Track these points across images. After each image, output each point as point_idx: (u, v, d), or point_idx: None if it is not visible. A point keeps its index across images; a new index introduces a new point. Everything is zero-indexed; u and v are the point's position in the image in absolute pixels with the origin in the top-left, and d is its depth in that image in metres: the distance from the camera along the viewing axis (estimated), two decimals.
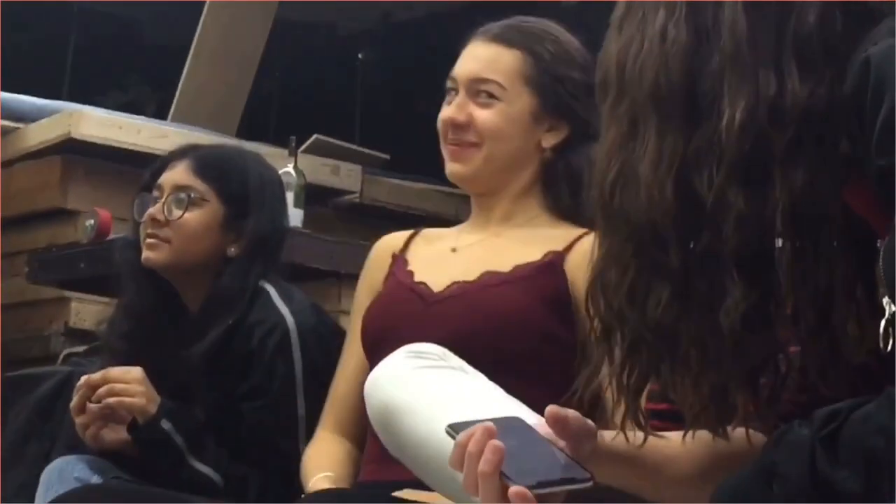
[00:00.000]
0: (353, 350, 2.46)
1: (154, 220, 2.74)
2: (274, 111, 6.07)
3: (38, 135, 4.92)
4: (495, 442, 1.54)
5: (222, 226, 2.79)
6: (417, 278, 2.37)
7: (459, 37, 2.54)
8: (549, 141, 2.42)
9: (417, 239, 2.51)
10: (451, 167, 2.43)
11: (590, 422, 1.60)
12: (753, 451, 1.49)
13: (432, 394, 1.93)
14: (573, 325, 2.28)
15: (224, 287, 2.74)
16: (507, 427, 1.58)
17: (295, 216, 4.05)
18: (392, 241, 2.53)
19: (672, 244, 1.46)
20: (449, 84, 2.42)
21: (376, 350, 2.26)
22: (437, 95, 2.56)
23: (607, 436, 1.64)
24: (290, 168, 4.24)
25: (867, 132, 1.34)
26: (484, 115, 2.38)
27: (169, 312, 2.82)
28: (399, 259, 2.46)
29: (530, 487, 1.50)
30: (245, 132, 5.38)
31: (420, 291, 2.33)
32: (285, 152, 4.51)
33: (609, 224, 1.53)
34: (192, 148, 2.92)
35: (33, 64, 5.80)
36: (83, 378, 2.62)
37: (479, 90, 2.39)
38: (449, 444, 1.70)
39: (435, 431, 1.80)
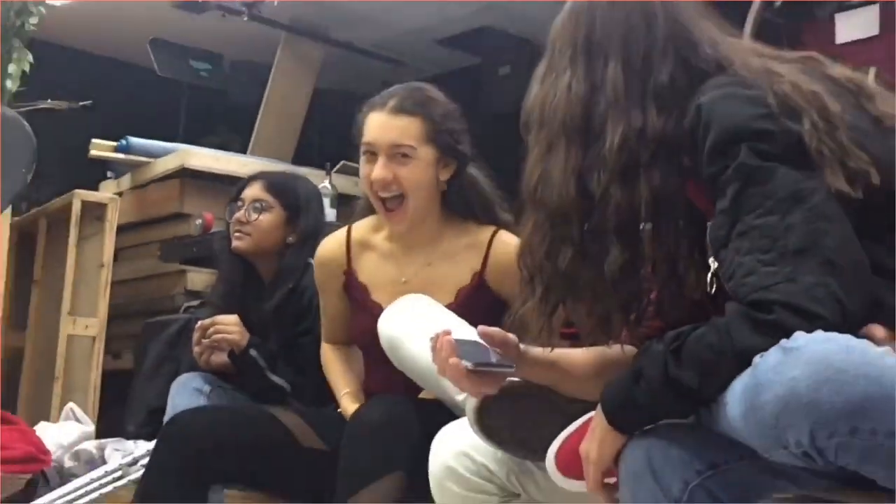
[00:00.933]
0: (330, 301, 2.50)
1: (239, 222, 2.84)
2: (315, 145, 6.07)
3: (164, 165, 5.13)
4: (448, 338, 1.64)
5: (284, 224, 2.88)
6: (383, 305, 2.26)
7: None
8: (445, 176, 2.36)
9: (355, 249, 2.44)
10: (394, 228, 2.35)
11: (510, 335, 1.67)
12: (628, 359, 1.50)
13: (419, 328, 1.94)
14: (502, 310, 2.18)
15: (286, 264, 2.84)
16: (463, 341, 1.66)
17: (331, 214, 4.38)
18: (333, 251, 2.48)
19: (574, 222, 1.54)
20: (366, 149, 2.31)
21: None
22: None
23: (532, 348, 1.69)
24: (326, 183, 4.59)
25: (700, 151, 1.42)
26: (405, 172, 2.28)
27: (250, 281, 2.92)
28: (350, 276, 2.43)
29: (475, 364, 1.60)
30: (297, 160, 5.59)
31: None
32: (323, 172, 4.75)
33: (534, 209, 1.61)
34: (262, 173, 3.05)
35: (158, 119, 5.79)
36: (199, 322, 2.79)
37: (396, 153, 2.28)
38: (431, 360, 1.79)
39: (422, 353, 1.83)
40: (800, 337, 1.14)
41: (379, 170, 2.27)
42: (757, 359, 1.16)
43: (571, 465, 1.43)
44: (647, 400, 1.28)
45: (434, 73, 6.70)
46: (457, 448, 1.80)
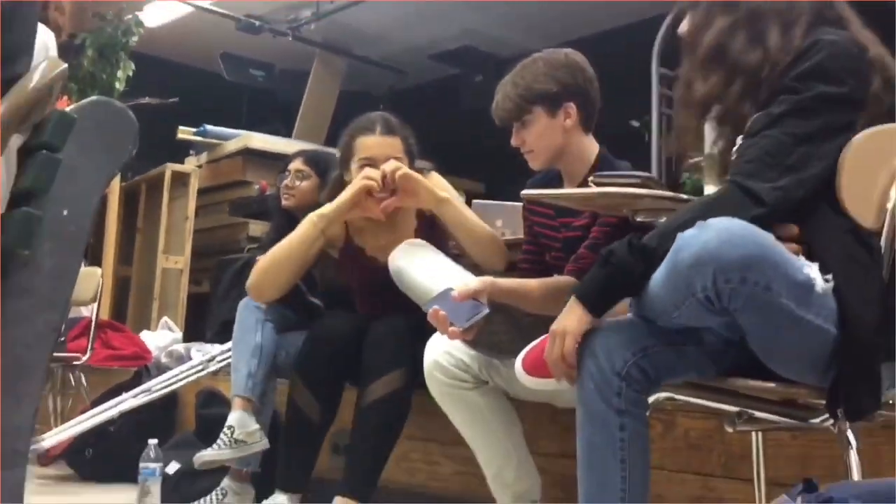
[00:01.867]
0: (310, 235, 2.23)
1: (287, 187, 2.75)
2: (342, 133, 6.02)
3: (231, 146, 5.08)
4: (441, 313, 1.56)
5: (318, 187, 2.73)
6: (382, 261, 2.11)
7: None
8: None
9: (349, 224, 2.30)
10: (384, 215, 2.18)
11: (477, 287, 1.58)
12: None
13: (419, 265, 1.88)
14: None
15: None
16: (450, 306, 1.58)
17: None
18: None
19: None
20: (366, 162, 2.13)
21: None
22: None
23: (500, 280, 1.62)
24: None
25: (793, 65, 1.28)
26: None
27: (294, 228, 2.79)
28: (349, 243, 2.29)
29: (465, 322, 1.55)
30: (328, 142, 5.43)
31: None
32: None
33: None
34: (302, 151, 2.97)
35: (227, 111, 5.74)
36: (257, 259, 2.58)
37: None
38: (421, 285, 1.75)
39: (423, 282, 1.79)
40: (711, 219, 1.14)
41: (378, 171, 2.17)
42: (679, 234, 1.14)
43: (535, 366, 1.39)
44: (614, 272, 1.21)
45: (426, 80, 6.68)
46: (442, 348, 1.82)
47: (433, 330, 1.79)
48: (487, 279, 1.60)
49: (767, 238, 1.13)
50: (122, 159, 1.09)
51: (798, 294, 1.12)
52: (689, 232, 1.13)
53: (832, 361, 1.16)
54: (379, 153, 2.17)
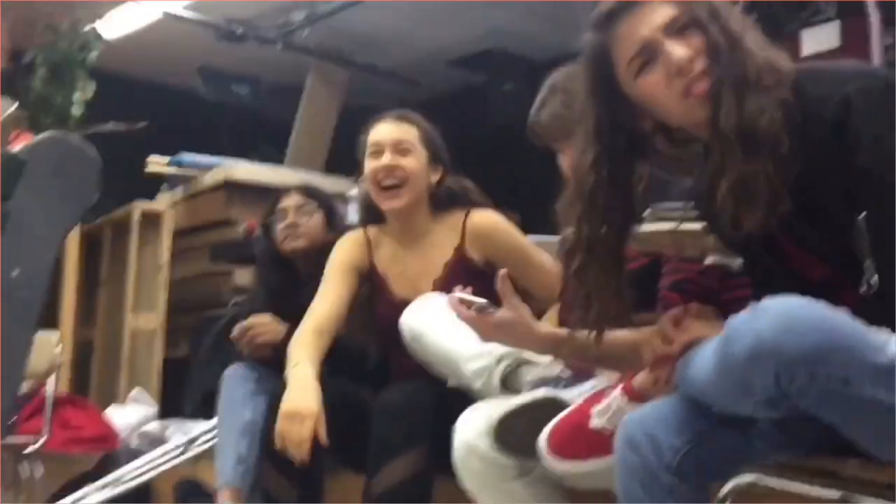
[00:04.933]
0: (331, 292, 2.39)
1: (290, 226, 2.78)
2: (345, 156, 6.04)
3: (211, 178, 5.11)
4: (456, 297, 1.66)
5: (327, 224, 2.83)
6: (398, 294, 2.35)
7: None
8: (434, 178, 2.44)
9: (373, 246, 2.47)
10: (391, 204, 2.39)
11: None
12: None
13: (437, 325, 1.94)
14: (485, 275, 2.23)
15: (325, 260, 2.70)
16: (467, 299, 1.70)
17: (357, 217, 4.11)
18: (358, 241, 2.49)
19: None
20: (374, 149, 2.41)
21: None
22: None
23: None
24: (355, 189, 4.26)
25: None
26: (406, 162, 2.38)
27: (288, 279, 2.83)
28: (373, 268, 2.44)
29: (477, 309, 1.64)
30: (328, 169, 5.59)
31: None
32: (352, 180, 4.48)
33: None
34: (293, 185, 2.99)
35: (206, 136, 5.81)
36: (238, 324, 2.69)
37: (400, 148, 2.39)
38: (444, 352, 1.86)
39: (440, 344, 1.87)
40: (765, 300, 1.12)
41: (386, 159, 2.37)
42: (730, 319, 1.14)
43: (564, 445, 1.42)
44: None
45: (446, 90, 6.72)
46: (479, 428, 1.79)
47: (461, 404, 1.83)
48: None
49: (836, 317, 1.11)
50: (82, 207, 1.10)
51: (885, 379, 1.09)
52: (741, 317, 1.12)
53: None
54: (386, 136, 2.40)
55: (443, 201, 2.46)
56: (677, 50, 1.36)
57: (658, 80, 1.38)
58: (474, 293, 1.93)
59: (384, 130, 2.42)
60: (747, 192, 1.27)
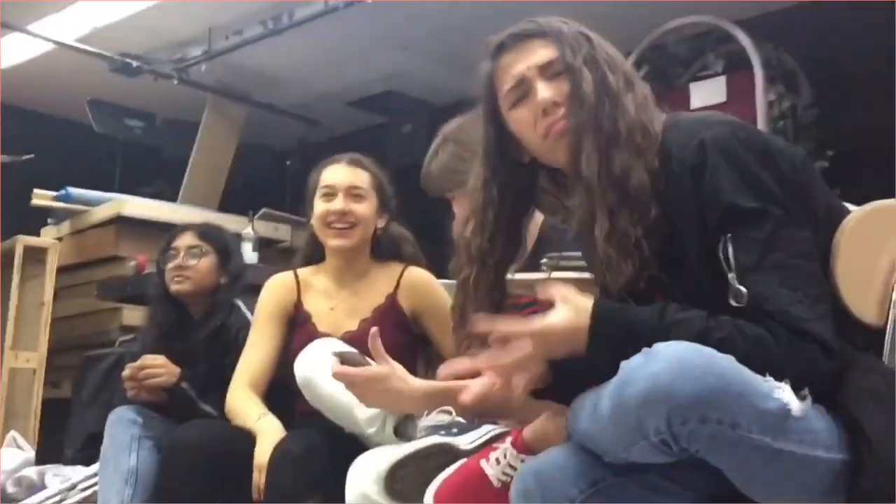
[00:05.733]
0: (262, 341, 2.44)
1: (178, 267, 2.77)
2: (239, 194, 6.01)
3: (101, 213, 5.00)
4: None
5: (217, 266, 2.82)
6: (321, 329, 2.39)
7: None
8: (380, 224, 2.52)
9: (303, 287, 2.50)
10: (339, 242, 2.43)
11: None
12: None
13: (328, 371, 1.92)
14: (410, 328, 2.41)
15: (217, 302, 2.78)
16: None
17: (252, 257, 4.35)
18: (286, 283, 2.52)
19: None
20: (326, 191, 2.44)
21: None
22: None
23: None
24: (249, 228, 4.53)
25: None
26: (358, 207, 2.43)
27: (181, 320, 2.82)
28: (300, 307, 2.47)
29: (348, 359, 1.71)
30: (223, 207, 5.57)
31: None
32: (246, 219, 4.71)
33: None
34: (190, 224, 2.96)
35: (98, 170, 5.68)
36: (128, 365, 2.66)
37: (353, 193, 2.44)
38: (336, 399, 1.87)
39: (333, 392, 1.87)
40: (658, 345, 1.15)
41: (339, 204, 2.42)
42: (623, 363, 1.16)
43: (450, 497, 1.40)
44: (654, 331, 1.21)
45: (345, 131, 6.74)
46: (370, 475, 1.77)
47: (355, 449, 1.82)
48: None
49: (726, 363, 1.14)
50: None
51: (772, 424, 1.13)
52: (636, 361, 1.14)
53: (835, 488, 1.17)
54: (340, 180, 2.44)
55: (384, 248, 2.54)
56: (543, 91, 1.43)
57: (526, 116, 1.45)
58: (396, 342, 1.96)
59: (339, 174, 2.46)
60: (619, 245, 1.31)
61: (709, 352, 1.13)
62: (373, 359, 1.79)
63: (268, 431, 2.18)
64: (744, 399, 1.11)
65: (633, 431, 1.13)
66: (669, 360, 1.11)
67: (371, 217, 2.46)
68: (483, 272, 1.50)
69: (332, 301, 2.45)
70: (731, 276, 1.26)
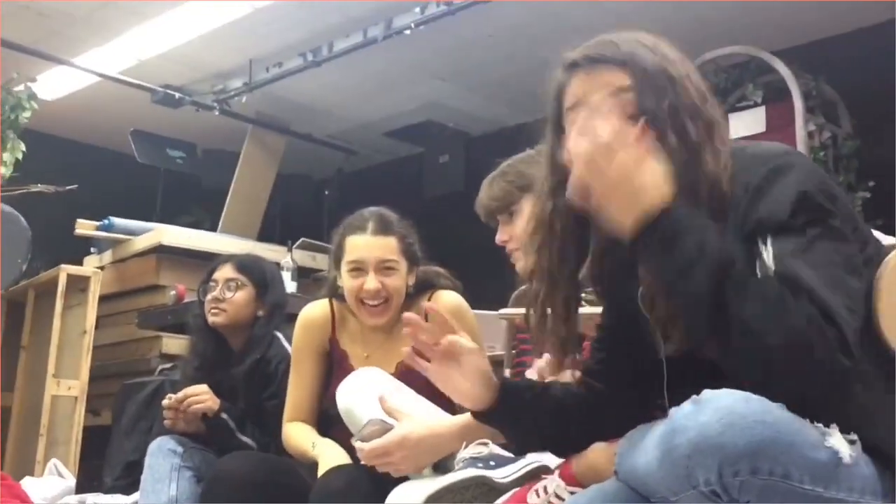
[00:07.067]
0: (302, 379, 2.41)
1: (215, 300, 2.78)
2: (278, 223, 6.06)
3: (142, 242, 5.08)
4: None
5: (254, 299, 2.81)
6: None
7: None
8: (412, 280, 2.37)
9: (338, 320, 2.43)
10: (376, 321, 2.33)
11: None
12: None
13: (368, 401, 1.95)
14: None
15: (256, 335, 2.76)
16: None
17: (291, 286, 4.32)
18: (320, 320, 2.45)
19: None
20: (355, 266, 2.32)
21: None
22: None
23: None
24: (288, 258, 4.52)
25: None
26: (390, 282, 2.31)
27: (221, 351, 2.82)
28: (335, 344, 2.42)
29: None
30: (262, 237, 5.68)
31: None
32: (285, 248, 4.74)
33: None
34: (231, 256, 2.97)
35: (140, 199, 5.75)
36: (169, 396, 2.67)
37: (383, 267, 2.31)
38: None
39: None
40: (706, 392, 1.13)
41: (371, 282, 2.31)
42: (672, 410, 1.14)
43: None
44: (691, 253, 1.18)
45: (382, 160, 6.80)
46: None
47: (394, 481, 1.81)
48: None
49: (777, 412, 1.13)
50: (10, 275, 1.07)
51: (824, 475, 1.13)
52: (685, 409, 1.13)
53: None
54: (368, 255, 2.32)
55: (414, 294, 2.42)
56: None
57: None
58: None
59: (366, 247, 2.33)
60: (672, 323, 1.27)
61: (758, 399, 1.12)
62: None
63: (327, 453, 2.18)
64: (795, 449, 1.11)
65: (681, 480, 1.11)
66: (719, 409, 1.10)
67: (403, 284, 2.36)
68: (556, 287, 1.42)
69: (368, 349, 2.40)
70: (764, 254, 1.23)
